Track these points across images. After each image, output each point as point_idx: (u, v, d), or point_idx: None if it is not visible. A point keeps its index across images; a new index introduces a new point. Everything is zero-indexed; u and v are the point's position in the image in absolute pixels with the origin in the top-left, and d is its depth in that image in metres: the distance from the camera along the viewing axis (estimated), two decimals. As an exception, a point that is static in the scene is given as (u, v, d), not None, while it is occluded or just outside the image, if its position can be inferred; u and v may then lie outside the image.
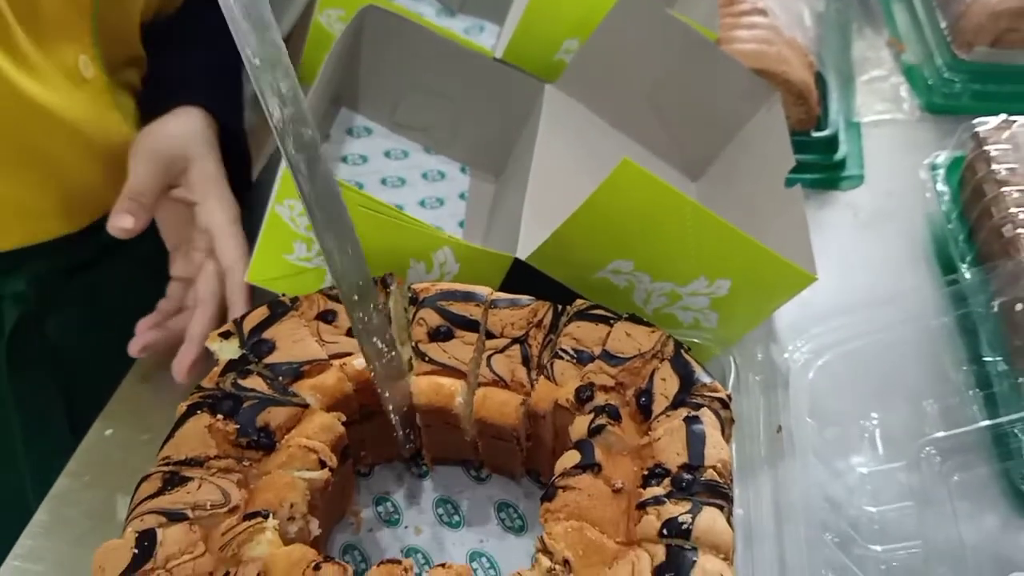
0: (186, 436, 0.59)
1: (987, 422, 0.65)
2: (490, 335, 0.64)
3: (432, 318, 0.65)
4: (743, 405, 0.63)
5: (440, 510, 0.66)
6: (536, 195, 0.76)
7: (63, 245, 0.76)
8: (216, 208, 0.74)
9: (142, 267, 0.79)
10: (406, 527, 0.65)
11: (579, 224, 0.65)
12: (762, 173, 0.80)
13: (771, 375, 0.65)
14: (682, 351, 0.61)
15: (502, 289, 0.67)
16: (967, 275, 0.76)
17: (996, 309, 0.68)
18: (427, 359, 0.63)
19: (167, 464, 0.58)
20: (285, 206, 0.69)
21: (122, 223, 0.69)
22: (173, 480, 0.56)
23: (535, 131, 0.83)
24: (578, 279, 0.69)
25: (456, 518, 0.66)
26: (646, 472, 0.54)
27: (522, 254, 0.68)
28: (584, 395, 0.58)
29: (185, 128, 0.77)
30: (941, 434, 0.64)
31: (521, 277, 0.69)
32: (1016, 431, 0.63)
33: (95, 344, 0.75)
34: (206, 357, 0.69)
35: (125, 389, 0.75)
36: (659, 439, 0.55)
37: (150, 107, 0.80)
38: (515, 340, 0.64)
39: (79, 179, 0.72)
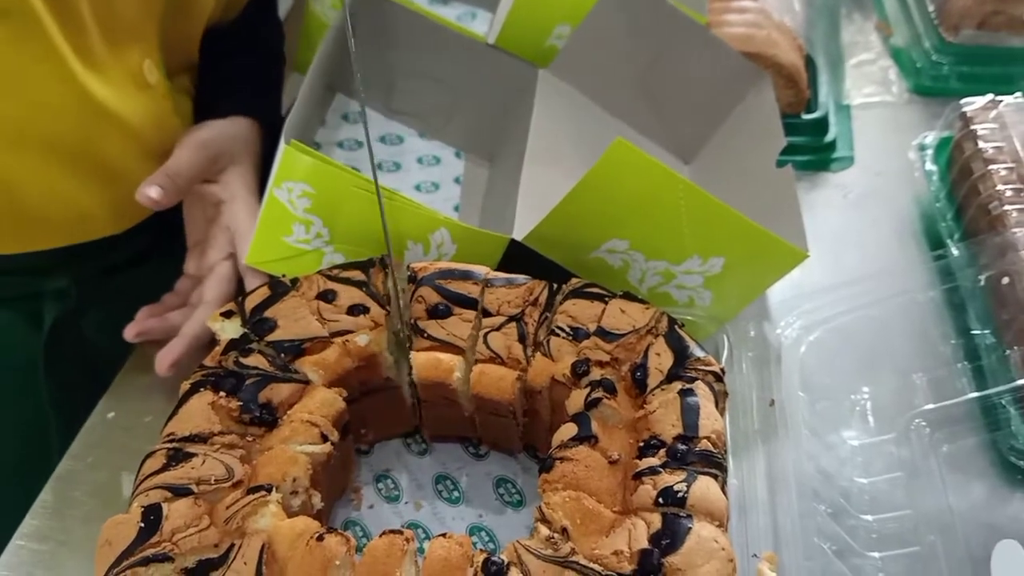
0: (190, 413, 0.60)
1: (975, 394, 0.66)
2: (487, 313, 0.65)
3: (431, 296, 0.66)
4: (736, 381, 0.64)
5: (439, 486, 0.67)
6: (531, 178, 0.77)
7: (107, 245, 0.77)
8: (242, 210, 0.75)
9: (180, 270, 0.79)
10: (406, 503, 0.66)
11: (574, 204, 0.66)
12: (754, 154, 0.81)
13: (763, 351, 0.66)
14: (676, 327, 0.62)
15: (499, 270, 0.68)
16: (955, 251, 0.77)
17: (983, 283, 0.69)
18: (425, 335, 0.64)
19: (171, 440, 0.59)
20: (284, 189, 0.70)
21: (150, 192, 0.70)
22: (177, 456, 0.57)
23: (529, 115, 0.84)
24: (574, 259, 0.70)
25: (456, 494, 0.67)
26: (642, 444, 0.56)
27: (518, 235, 0.69)
28: (580, 370, 0.59)
29: (236, 131, 0.79)
30: (930, 406, 0.65)
31: (517, 258, 0.70)
32: (1004, 402, 0.64)
33: (129, 343, 0.76)
34: (194, 355, 0.70)
35: (126, 373, 0.75)
36: (654, 411, 0.57)
37: (206, 111, 0.81)
38: (511, 318, 0.65)
39: (134, 182, 0.72)
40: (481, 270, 0.67)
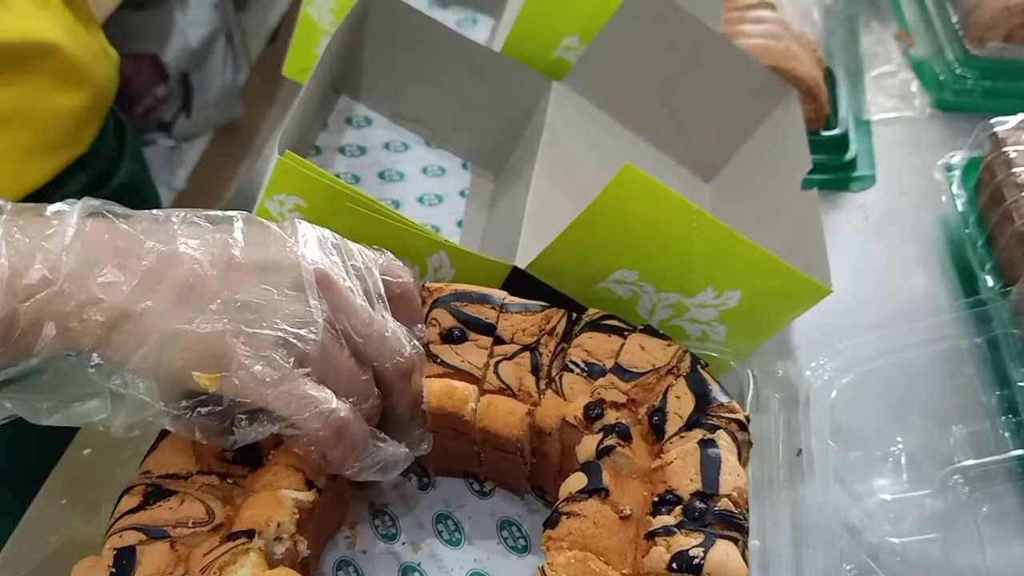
0: (168, 449, 0.56)
1: (1019, 451, 0.62)
2: (499, 340, 0.61)
3: (445, 319, 0.62)
4: (762, 423, 0.60)
5: (440, 526, 0.63)
6: (539, 198, 0.73)
7: None
8: None
9: None
10: (404, 543, 0.62)
11: (579, 233, 0.62)
12: (777, 176, 0.77)
13: (791, 392, 0.62)
14: (699, 367, 0.58)
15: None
16: (989, 281, 0.73)
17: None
18: (439, 361, 0.60)
19: (149, 477, 0.55)
20: (275, 201, 0.67)
21: None
22: (156, 494, 0.53)
23: (540, 129, 0.80)
24: (580, 289, 0.66)
25: (457, 535, 0.63)
26: (656, 498, 0.52)
27: (521, 262, 0.65)
28: (593, 412, 0.55)
29: None
30: (970, 462, 0.61)
31: (520, 282, 0.66)
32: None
33: None
34: None
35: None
36: (671, 463, 0.53)
37: None
38: (526, 347, 0.61)
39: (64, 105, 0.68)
40: (499, 294, 0.63)
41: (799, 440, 0.60)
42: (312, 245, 0.52)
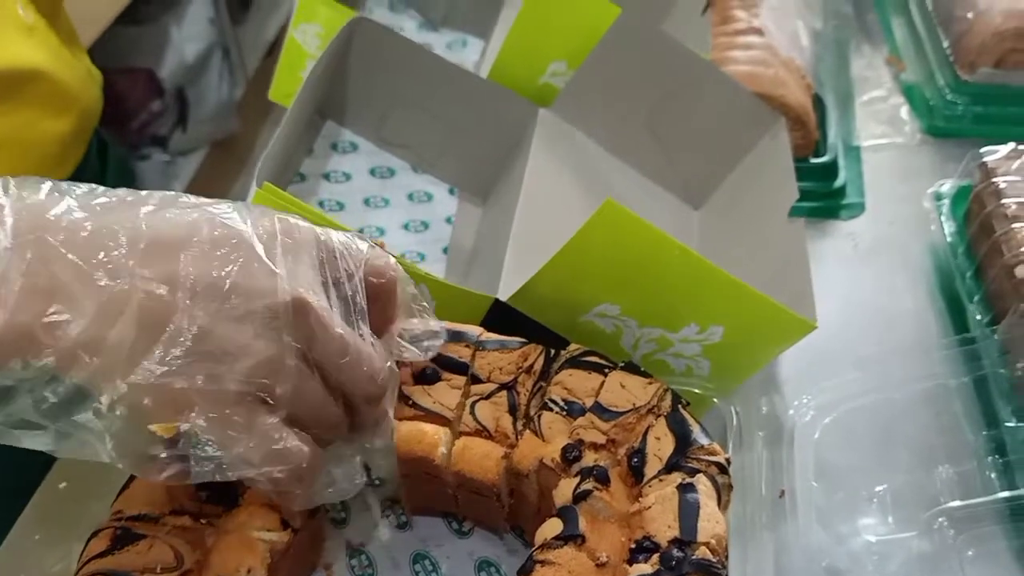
0: (141, 488, 0.55)
1: (1006, 493, 0.61)
2: (476, 379, 0.60)
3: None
4: (744, 462, 0.59)
5: (417, 566, 0.62)
6: (523, 228, 0.72)
7: None
8: None
9: None
10: (381, 584, 0.61)
11: (561, 266, 0.61)
12: (764, 205, 0.76)
13: (775, 430, 0.61)
14: (680, 407, 0.57)
15: (483, 325, 0.63)
16: (977, 314, 0.72)
17: (1020, 372, 0.64)
18: (411, 403, 0.59)
19: (119, 519, 0.54)
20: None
21: None
22: (124, 538, 0.52)
23: (526, 157, 0.79)
24: (562, 322, 0.65)
25: (434, 575, 0.62)
26: (634, 545, 0.50)
27: (503, 295, 0.64)
28: (571, 455, 0.54)
29: None
30: (956, 503, 0.60)
31: (504, 313, 0.66)
32: (1038, 505, 0.59)
33: None
34: None
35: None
36: (649, 508, 0.51)
37: None
38: (503, 386, 0.60)
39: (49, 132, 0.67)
40: (475, 331, 0.62)
41: (782, 479, 0.59)
42: (303, 258, 0.47)
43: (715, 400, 0.64)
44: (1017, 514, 0.60)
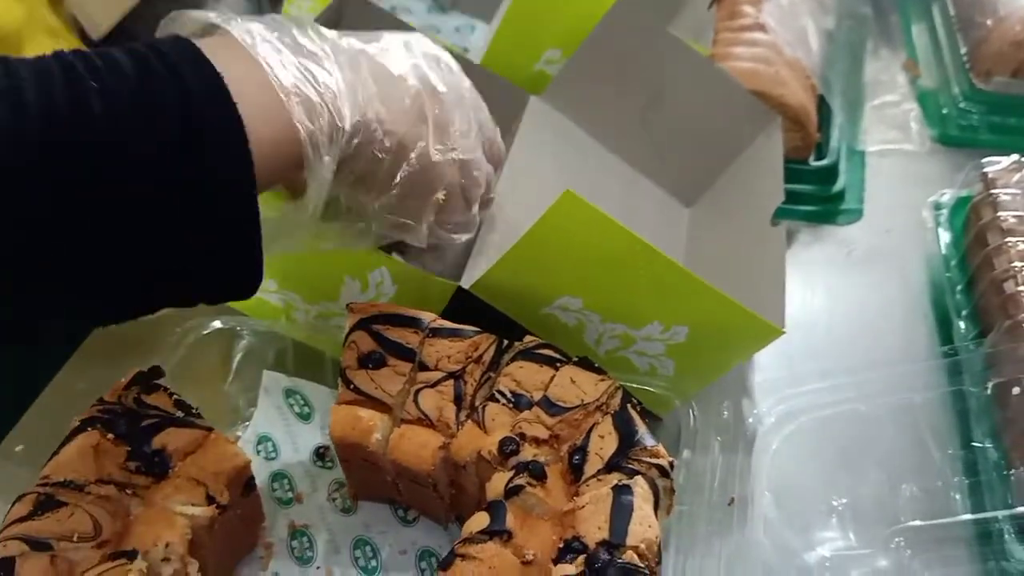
0: (70, 455, 0.54)
1: (970, 516, 0.58)
2: (424, 367, 0.58)
3: (365, 342, 0.59)
4: (697, 465, 0.57)
5: (357, 552, 0.61)
6: (497, 216, 0.70)
7: None
8: None
9: None
10: (318, 567, 0.60)
11: (521, 257, 0.59)
12: (752, 206, 0.74)
13: (733, 437, 0.59)
14: (629, 406, 0.54)
15: (449, 317, 0.62)
16: (963, 328, 0.69)
17: (990, 390, 0.61)
18: (352, 387, 0.58)
19: (44, 485, 0.53)
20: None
21: None
22: (46, 504, 0.51)
23: (511, 144, 0.77)
24: (524, 314, 0.63)
25: (373, 562, 0.60)
26: (562, 545, 0.49)
27: (466, 282, 0.63)
28: (508, 448, 0.52)
29: None
30: (917, 523, 0.57)
31: (472, 306, 0.64)
32: (1002, 529, 0.55)
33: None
34: None
35: (42, 402, 0.69)
36: (583, 507, 0.50)
37: None
38: (450, 375, 0.58)
39: None
40: (427, 317, 0.61)
41: (735, 487, 0.57)
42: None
43: (676, 402, 0.62)
44: (983, 538, 0.57)
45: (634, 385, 0.62)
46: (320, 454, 0.66)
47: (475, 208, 0.61)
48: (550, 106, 0.83)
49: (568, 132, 0.84)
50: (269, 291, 0.70)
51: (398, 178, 0.55)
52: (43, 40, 0.76)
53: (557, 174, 0.81)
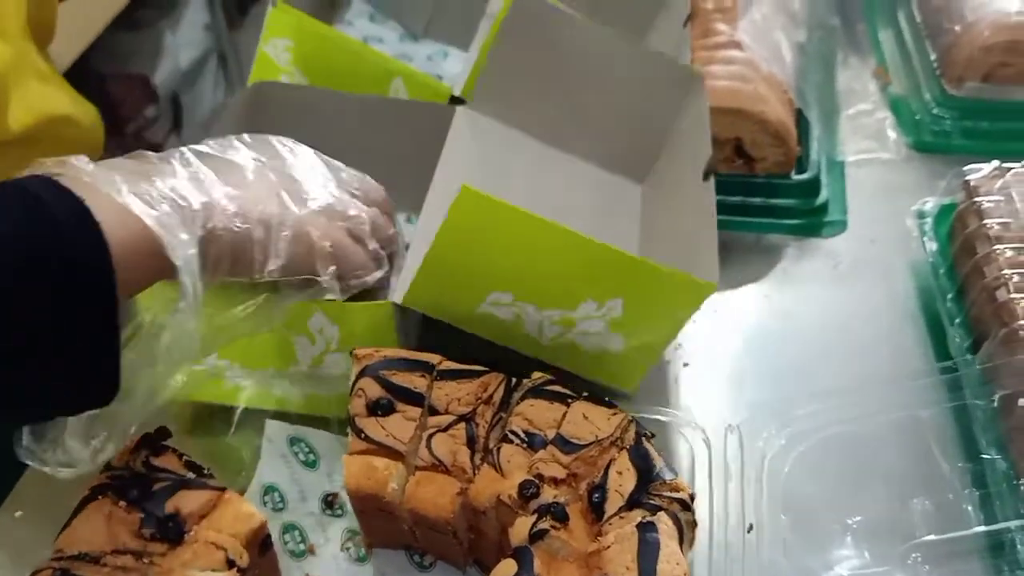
0: (83, 526, 0.53)
1: (983, 528, 0.58)
2: (433, 411, 0.58)
3: (372, 389, 0.59)
4: (713, 495, 0.57)
5: (377, 601, 0.60)
6: (428, 230, 0.69)
7: None
8: None
9: None
10: (339, 620, 0.60)
11: (439, 261, 0.60)
12: (690, 170, 0.73)
13: (744, 462, 0.59)
14: (644, 439, 0.55)
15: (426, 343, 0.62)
16: (957, 338, 0.70)
17: (996, 403, 0.62)
18: (363, 436, 0.57)
19: (59, 559, 0.52)
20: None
21: None
22: (63, 579, 0.50)
23: (438, 158, 0.76)
24: (461, 317, 0.63)
25: (394, 612, 0.60)
26: (593, 588, 0.49)
27: (398, 298, 0.63)
28: (528, 491, 0.52)
29: None
30: (932, 538, 0.58)
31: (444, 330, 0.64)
32: (1016, 540, 0.56)
33: None
34: None
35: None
36: (608, 547, 0.50)
37: None
38: (461, 417, 0.58)
39: None
40: (433, 359, 0.60)
41: (751, 513, 0.57)
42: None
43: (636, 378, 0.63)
44: (996, 549, 0.58)
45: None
46: (328, 502, 0.65)
47: (372, 245, 0.63)
48: (478, 112, 0.82)
49: (501, 135, 0.83)
50: (239, 377, 0.69)
51: (273, 245, 0.56)
52: (33, 85, 0.75)
53: (494, 179, 0.80)
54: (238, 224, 0.54)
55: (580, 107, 0.83)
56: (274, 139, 0.63)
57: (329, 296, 0.60)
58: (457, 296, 0.62)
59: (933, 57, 0.97)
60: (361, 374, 0.59)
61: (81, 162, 0.51)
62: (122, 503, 0.53)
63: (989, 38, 0.91)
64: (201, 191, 0.53)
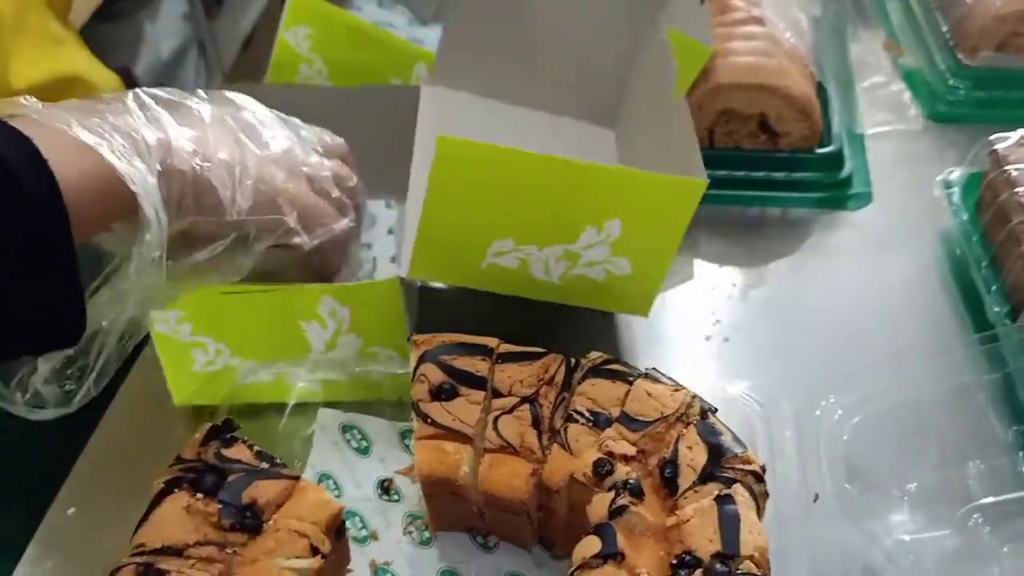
0: (162, 520, 0.53)
1: (1039, 487, 0.60)
2: (497, 393, 0.59)
3: (434, 374, 0.59)
4: (776, 467, 0.58)
5: (446, 583, 0.61)
6: (418, 205, 0.70)
7: None
8: None
9: None
10: (408, 603, 0.60)
11: (433, 222, 0.60)
12: (657, 96, 0.74)
13: (803, 433, 0.60)
14: (710, 413, 0.56)
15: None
16: (995, 306, 0.71)
17: None
18: (429, 421, 0.58)
19: (141, 553, 0.52)
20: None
21: None
22: (148, 573, 0.51)
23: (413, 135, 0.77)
24: (469, 276, 0.64)
25: (463, 593, 0.61)
26: (675, 560, 0.49)
27: (403, 271, 0.63)
28: (603, 469, 0.53)
29: None
30: (989, 499, 0.59)
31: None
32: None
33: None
34: None
35: (87, 460, 0.68)
36: (688, 520, 0.50)
37: None
38: (524, 399, 0.58)
39: None
40: (491, 342, 0.61)
41: (815, 481, 0.58)
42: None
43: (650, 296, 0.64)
44: (1052, 508, 0.60)
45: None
46: (385, 488, 0.66)
47: (335, 193, 0.63)
48: (443, 86, 0.83)
49: (469, 103, 0.84)
50: (258, 374, 0.69)
51: (238, 186, 0.56)
52: (42, 44, 0.74)
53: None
54: (198, 162, 0.54)
55: (538, 60, 0.84)
56: (230, 93, 0.63)
57: (296, 240, 0.60)
58: (460, 255, 0.63)
59: (945, 28, 0.98)
60: (421, 359, 0.60)
61: (30, 101, 0.51)
62: (199, 495, 0.54)
63: (1002, 8, 0.92)
64: (158, 129, 0.53)
